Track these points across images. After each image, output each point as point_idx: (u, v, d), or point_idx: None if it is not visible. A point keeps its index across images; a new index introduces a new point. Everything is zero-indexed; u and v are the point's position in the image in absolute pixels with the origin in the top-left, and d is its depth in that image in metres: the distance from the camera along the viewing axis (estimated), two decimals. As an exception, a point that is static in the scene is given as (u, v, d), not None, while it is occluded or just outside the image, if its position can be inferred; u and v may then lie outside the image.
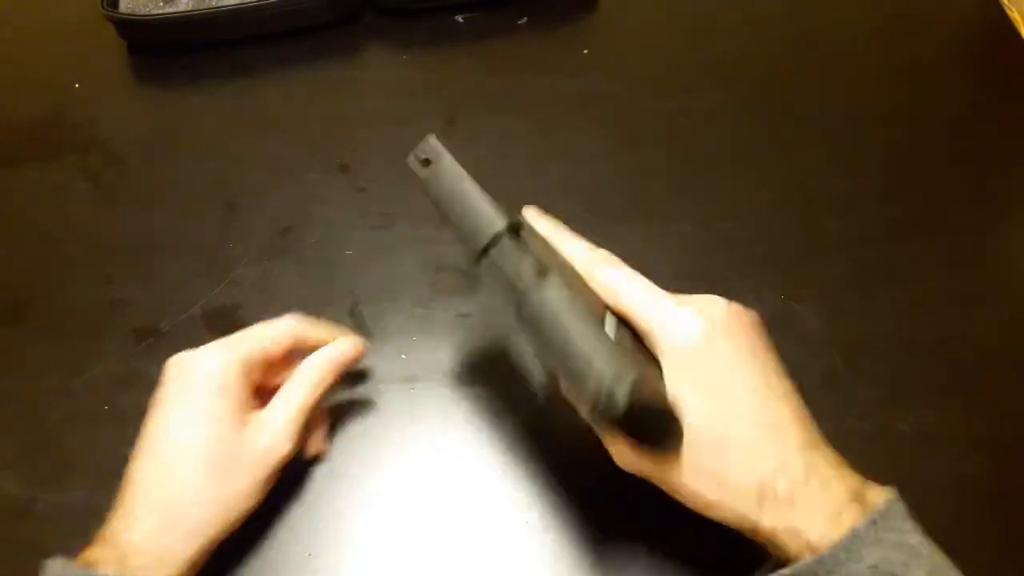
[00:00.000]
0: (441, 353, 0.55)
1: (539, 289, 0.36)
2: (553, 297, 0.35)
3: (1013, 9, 0.75)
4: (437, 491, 0.49)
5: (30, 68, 0.74)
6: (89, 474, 0.50)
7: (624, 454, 0.40)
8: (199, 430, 0.42)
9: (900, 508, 0.35)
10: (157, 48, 0.74)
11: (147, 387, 0.53)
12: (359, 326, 0.56)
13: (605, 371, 0.33)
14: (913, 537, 0.34)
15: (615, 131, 0.67)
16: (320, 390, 0.46)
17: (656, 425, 0.36)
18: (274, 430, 0.44)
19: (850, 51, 0.74)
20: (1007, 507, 0.49)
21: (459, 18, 0.75)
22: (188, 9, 0.71)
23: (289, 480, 0.49)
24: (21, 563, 0.46)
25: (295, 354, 0.48)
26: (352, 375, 0.54)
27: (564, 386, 0.41)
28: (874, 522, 0.33)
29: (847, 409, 0.52)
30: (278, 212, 0.63)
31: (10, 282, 0.59)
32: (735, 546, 0.42)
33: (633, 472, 0.40)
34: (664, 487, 0.39)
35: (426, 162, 0.39)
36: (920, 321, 0.56)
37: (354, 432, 0.51)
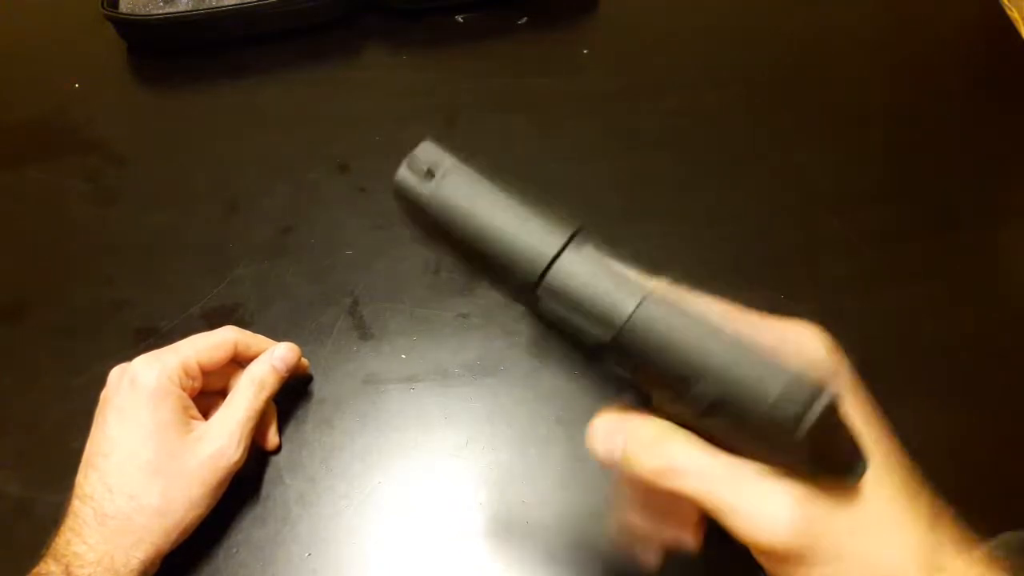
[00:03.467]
0: (441, 353, 0.55)
1: (653, 296, 0.27)
2: (678, 299, 0.27)
3: (1013, 9, 0.75)
4: (437, 491, 0.49)
5: (30, 68, 0.74)
6: (89, 474, 0.50)
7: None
8: (141, 439, 0.43)
9: None
10: (157, 48, 0.74)
11: (147, 387, 0.53)
12: (359, 326, 0.56)
13: (792, 379, 0.25)
14: None
15: (615, 131, 0.67)
16: (264, 395, 0.47)
17: (838, 455, 0.28)
18: (221, 438, 0.44)
19: (850, 51, 0.74)
20: (1007, 507, 0.49)
21: (459, 18, 0.75)
22: (188, 9, 0.71)
23: (289, 480, 0.49)
24: (21, 563, 0.47)
25: (237, 362, 0.49)
26: (353, 375, 0.54)
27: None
28: None
29: (847, 409, 0.52)
30: (278, 212, 0.62)
31: (10, 282, 0.59)
32: (736, 549, 0.42)
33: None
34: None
35: (428, 174, 0.30)
36: (920, 321, 0.56)
37: (354, 432, 0.51)
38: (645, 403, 0.30)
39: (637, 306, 0.27)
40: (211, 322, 0.56)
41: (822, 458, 0.26)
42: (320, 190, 0.64)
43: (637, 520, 0.33)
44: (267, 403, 0.48)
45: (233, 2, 0.71)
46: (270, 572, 0.46)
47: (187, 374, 0.45)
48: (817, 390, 0.25)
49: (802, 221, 0.62)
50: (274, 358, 0.48)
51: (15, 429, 0.52)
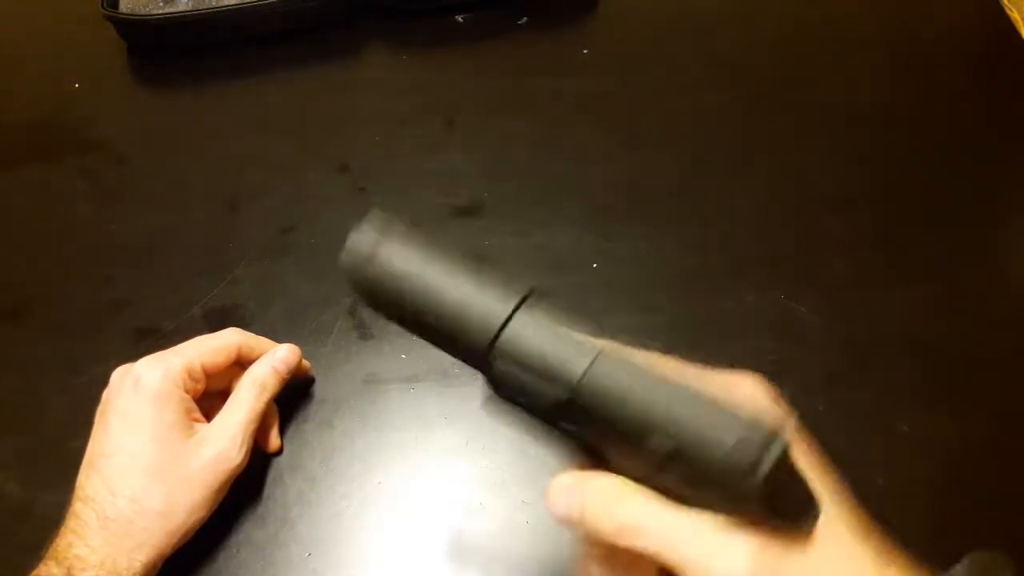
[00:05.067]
0: (441, 353, 0.54)
1: (605, 353, 0.27)
2: (628, 355, 0.27)
3: (1013, 9, 0.75)
4: (437, 491, 0.49)
5: (30, 68, 0.74)
6: (89, 474, 0.50)
7: None
8: (143, 442, 0.42)
9: None
10: (157, 48, 0.74)
11: (147, 387, 0.53)
12: (359, 326, 0.56)
13: (746, 426, 0.25)
14: None
15: (615, 131, 0.67)
16: (266, 397, 0.47)
17: (792, 501, 0.28)
18: (222, 441, 0.44)
19: (850, 51, 0.74)
20: (1007, 507, 0.49)
21: (459, 18, 0.75)
22: (188, 9, 0.71)
23: (289, 480, 0.49)
24: (21, 563, 0.47)
25: (240, 363, 0.49)
26: (353, 375, 0.54)
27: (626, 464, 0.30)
28: None
29: (847, 409, 0.52)
30: (278, 212, 0.62)
31: (10, 282, 0.59)
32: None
33: None
34: None
35: (376, 245, 0.30)
36: (920, 321, 0.56)
37: (354, 432, 0.51)
38: (601, 463, 0.31)
39: (591, 363, 0.27)
40: (211, 322, 0.56)
41: (777, 505, 0.26)
42: (320, 190, 0.64)
43: (598, 574, 0.33)
44: (268, 405, 0.48)
45: (233, 2, 0.71)
46: (270, 572, 0.46)
47: (190, 376, 0.45)
48: (771, 436, 0.25)
49: (802, 221, 0.62)
50: (275, 359, 0.48)
51: (15, 429, 0.52)
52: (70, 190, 0.64)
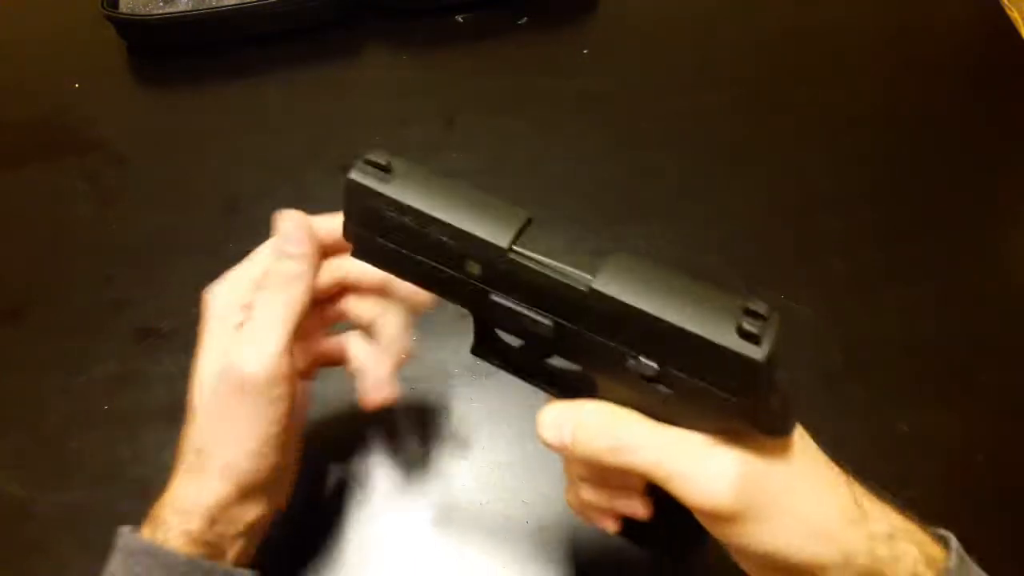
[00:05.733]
0: (441, 353, 0.55)
1: (616, 255, 0.30)
2: (633, 256, 0.30)
3: (1013, 9, 0.75)
4: (437, 491, 0.49)
5: (30, 68, 0.74)
6: (89, 474, 0.50)
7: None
8: (209, 366, 0.39)
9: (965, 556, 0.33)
10: (157, 48, 0.74)
11: (147, 387, 0.53)
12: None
13: (749, 300, 0.28)
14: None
15: (615, 131, 0.67)
16: (279, 293, 0.39)
17: (773, 413, 0.30)
18: (256, 348, 0.38)
19: (850, 51, 0.74)
20: (1007, 507, 0.49)
21: (459, 18, 0.75)
22: (188, 9, 0.71)
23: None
24: (21, 563, 0.47)
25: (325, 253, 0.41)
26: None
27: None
28: (962, 559, 0.33)
29: (847, 409, 0.52)
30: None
31: (10, 282, 0.59)
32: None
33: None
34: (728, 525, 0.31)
35: (385, 170, 0.32)
36: (920, 321, 0.56)
37: (354, 431, 0.51)
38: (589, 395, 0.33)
39: (606, 261, 0.29)
40: (211, 322, 0.56)
41: (765, 402, 0.28)
42: (320, 190, 0.64)
43: (589, 495, 0.36)
44: (299, 302, 0.39)
45: (233, 2, 0.71)
46: (270, 571, 0.46)
47: (234, 291, 0.41)
48: (769, 310, 0.28)
49: (802, 221, 0.62)
50: (276, 242, 0.40)
51: (15, 429, 0.52)
52: (70, 190, 0.64)
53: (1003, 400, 0.53)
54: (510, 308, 0.32)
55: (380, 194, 0.32)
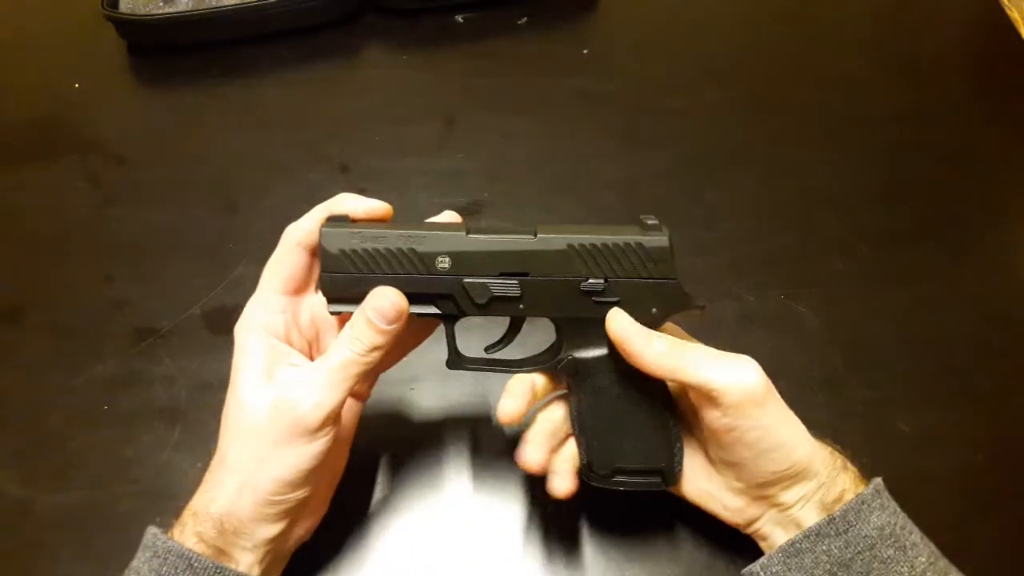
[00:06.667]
0: (441, 353, 0.54)
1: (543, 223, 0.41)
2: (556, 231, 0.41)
3: (1013, 9, 0.75)
4: (437, 491, 0.49)
5: (30, 68, 0.74)
6: (89, 474, 0.50)
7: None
8: (228, 392, 0.40)
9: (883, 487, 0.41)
10: (157, 48, 0.74)
11: (147, 387, 0.53)
12: (359, 326, 0.56)
13: (643, 227, 0.41)
14: (901, 509, 0.40)
15: (615, 131, 0.67)
16: (360, 348, 0.39)
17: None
18: (282, 389, 0.39)
19: (850, 51, 0.74)
20: (1007, 507, 0.49)
21: (459, 18, 0.75)
22: (188, 9, 0.71)
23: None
24: (21, 563, 0.47)
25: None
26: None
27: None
28: (878, 491, 0.40)
29: (847, 409, 0.52)
30: (278, 212, 0.62)
31: (10, 282, 0.59)
32: (731, 541, 0.43)
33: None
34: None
35: (345, 219, 0.41)
36: (920, 321, 0.56)
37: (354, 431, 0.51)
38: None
39: (537, 227, 0.41)
40: (211, 322, 0.56)
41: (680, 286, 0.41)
42: (320, 190, 0.63)
43: (534, 454, 0.43)
44: (369, 359, 0.40)
45: (233, 2, 0.71)
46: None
47: (266, 310, 0.42)
48: (657, 224, 0.41)
49: (802, 221, 0.62)
50: (368, 308, 0.40)
51: (15, 429, 0.52)
52: (70, 190, 0.64)
53: (1003, 400, 0.53)
54: (481, 283, 0.40)
55: (358, 231, 0.40)
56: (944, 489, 0.49)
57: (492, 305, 0.41)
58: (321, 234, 0.40)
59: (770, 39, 0.74)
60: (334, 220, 0.41)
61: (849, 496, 0.39)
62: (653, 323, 0.41)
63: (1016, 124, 0.68)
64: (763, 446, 0.40)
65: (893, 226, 0.61)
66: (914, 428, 0.51)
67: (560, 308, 0.41)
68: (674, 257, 0.40)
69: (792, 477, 0.40)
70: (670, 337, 0.41)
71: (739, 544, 0.42)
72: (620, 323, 0.41)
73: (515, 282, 0.40)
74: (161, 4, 0.71)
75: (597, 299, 0.41)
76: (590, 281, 0.40)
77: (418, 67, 0.72)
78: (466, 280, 0.40)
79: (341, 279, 0.40)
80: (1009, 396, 0.53)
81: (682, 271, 0.41)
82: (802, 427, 0.41)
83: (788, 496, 0.41)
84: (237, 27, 0.72)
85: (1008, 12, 0.75)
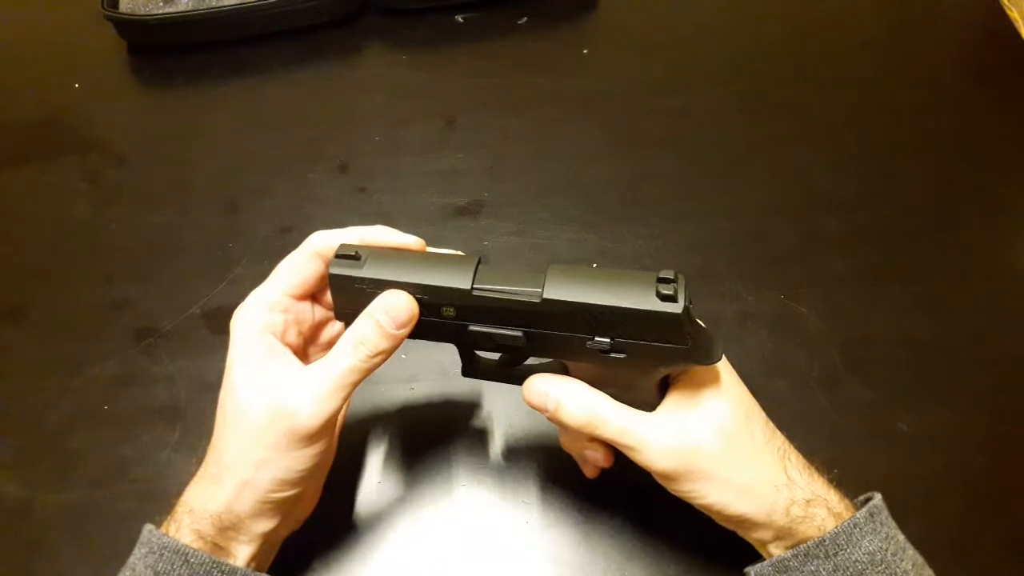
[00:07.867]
0: (441, 353, 0.54)
1: (553, 267, 0.38)
2: (564, 265, 0.38)
3: (1013, 9, 0.75)
4: (437, 491, 0.49)
5: (30, 69, 0.74)
6: (89, 474, 0.50)
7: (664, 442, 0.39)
8: (221, 389, 0.40)
9: (886, 509, 0.39)
10: (157, 48, 0.74)
11: (147, 387, 0.53)
12: (359, 326, 0.56)
13: (658, 277, 0.36)
14: (899, 534, 0.39)
15: (615, 131, 0.67)
16: (363, 353, 0.39)
17: (700, 343, 0.38)
18: (279, 391, 0.38)
19: (850, 51, 0.74)
20: (1007, 507, 0.49)
21: (459, 18, 0.75)
22: (188, 9, 0.71)
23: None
24: (21, 563, 0.47)
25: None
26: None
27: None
28: (871, 515, 0.38)
29: (847, 409, 0.52)
30: (278, 212, 0.63)
31: (10, 282, 0.59)
32: (728, 543, 0.42)
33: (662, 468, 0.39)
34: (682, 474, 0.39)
35: (353, 257, 0.39)
36: (920, 321, 0.56)
37: (354, 431, 0.51)
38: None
39: (546, 274, 0.37)
40: (211, 322, 0.56)
41: (694, 341, 0.37)
42: (320, 190, 0.64)
43: (569, 444, 0.45)
44: (372, 365, 0.39)
45: (233, 2, 0.71)
46: (271, 569, 0.46)
47: (269, 310, 0.41)
48: (676, 273, 0.36)
49: (802, 221, 0.62)
50: (376, 308, 0.39)
51: (15, 429, 0.52)
52: (70, 190, 0.64)
53: (1003, 400, 0.53)
54: (486, 332, 0.39)
55: (360, 277, 0.39)
56: (944, 489, 0.49)
57: (499, 347, 0.41)
58: (329, 277, 0.39)
59: (770, 39, 0.74)
60: (342, 258, 0.39)
61: (829, 525, 0.38)
62: (654, 376, 0.39)
63: (1016, 124, 0.68)
64: (699, 505, 0.40)
65: (893, 225, 0.61)
66: (914, 428, 0.51)
67: (567, 355, 0.40)
68: (692, 322, 0.37)
69: (739, 524, 0.40)
70: (599, 400, 0.40)
71: (739, 544, 0.42)
72: (534, 391, 0.40)
73: (520, 333, 0.39)
74: (161, 4, 0.71)
75: (603, 352, 0.38)
76: (596, 339, 0.38)
77: (418, 67, 0.72)
78: (471, 328, 0.39)
79: (351, 315, 0.40)
80: (1009, 396, 0.53)
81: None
82: (755, 475, 0.39)
83: (748, 534, 0.40)
84: (237, 27, 0.72)
85: (1008, 12, 0.75)
